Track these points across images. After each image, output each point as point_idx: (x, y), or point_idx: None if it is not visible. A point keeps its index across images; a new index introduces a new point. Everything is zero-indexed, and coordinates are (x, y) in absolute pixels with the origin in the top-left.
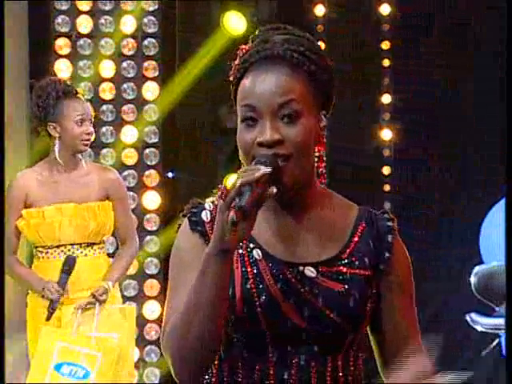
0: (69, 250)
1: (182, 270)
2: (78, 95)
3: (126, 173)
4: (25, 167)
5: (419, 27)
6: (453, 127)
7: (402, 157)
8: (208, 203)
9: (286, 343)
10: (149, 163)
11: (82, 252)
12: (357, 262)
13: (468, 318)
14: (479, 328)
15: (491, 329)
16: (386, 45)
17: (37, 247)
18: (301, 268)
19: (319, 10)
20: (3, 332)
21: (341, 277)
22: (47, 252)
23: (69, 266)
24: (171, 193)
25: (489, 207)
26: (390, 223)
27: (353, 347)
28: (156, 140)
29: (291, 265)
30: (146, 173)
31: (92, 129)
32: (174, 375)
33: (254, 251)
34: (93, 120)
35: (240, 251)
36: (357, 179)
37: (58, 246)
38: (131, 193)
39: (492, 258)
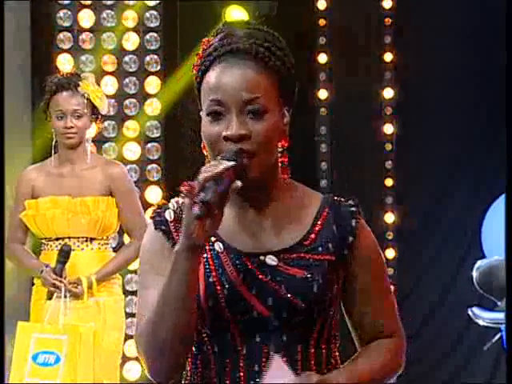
0: (66, 244)
1: (148, 268)
2: (79, 88)
3: (127, 167)
4: (28, 164)
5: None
6: (453, 127)
7: (403, 153)
8: (172, 203)
9: (254, 334)
10: (151, 158)
11: (78, 246)
12: (320, 248)
13: (470, 312)
14: (481, 322)
15: (493, 323)
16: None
17: (41, 239)
18: (262, 257)
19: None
20: (3, 331)
21: (303, 263)
22: (48, 244)
23: (63, 255)
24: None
25: (490, 202)
26: (353, 208)
27: (323, 334)
28: (158, 134)
29: (252, 255)
30: (148, 167)
31: (71, 123)
32: (147, 372)
33: (216, 244)
34: (82, 114)
35: None
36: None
37: (56, 239)
38: None
39: (494, 253)
